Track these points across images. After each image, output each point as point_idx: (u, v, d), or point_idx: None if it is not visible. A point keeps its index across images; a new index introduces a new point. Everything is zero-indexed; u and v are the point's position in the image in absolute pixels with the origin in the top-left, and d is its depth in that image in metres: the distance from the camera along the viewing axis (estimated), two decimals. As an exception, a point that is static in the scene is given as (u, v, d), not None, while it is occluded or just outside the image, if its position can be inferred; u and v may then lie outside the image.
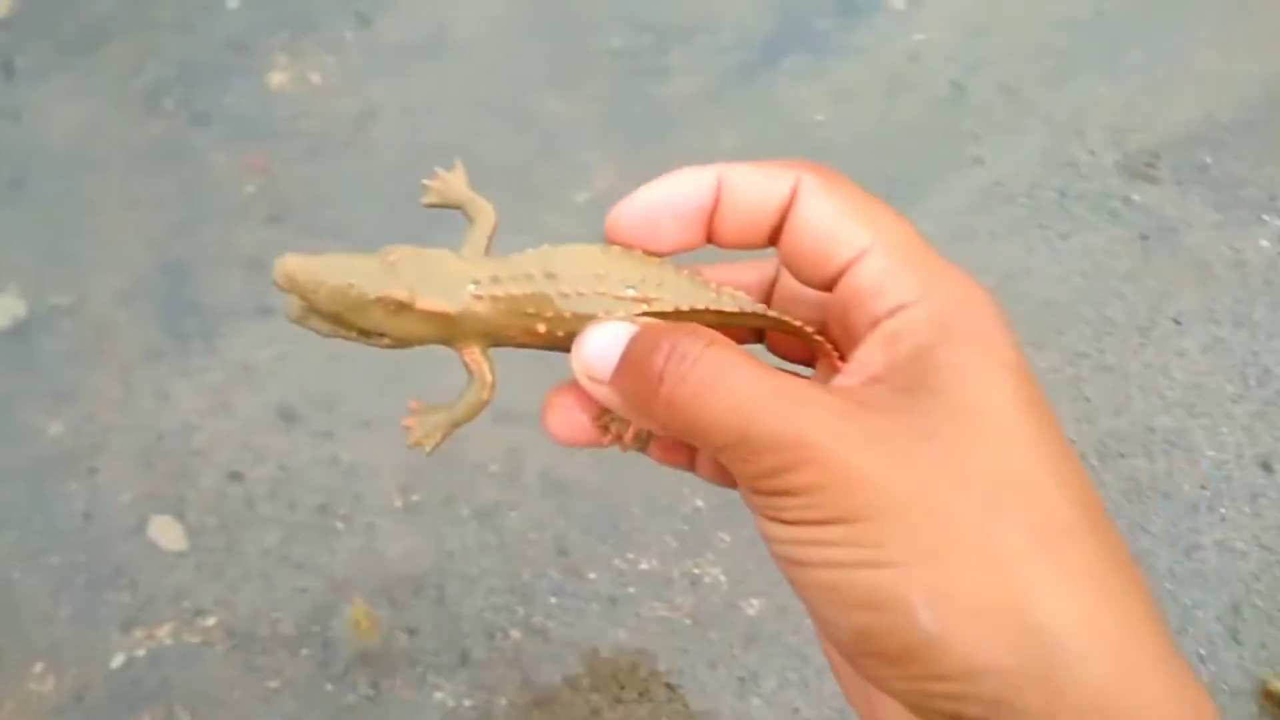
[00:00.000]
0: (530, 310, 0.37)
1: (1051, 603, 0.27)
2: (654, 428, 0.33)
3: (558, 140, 1.23)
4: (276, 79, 1.23)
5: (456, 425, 0.39)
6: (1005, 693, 0.27)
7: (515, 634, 0.99)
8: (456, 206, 0.44)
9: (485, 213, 0.42)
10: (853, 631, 0.29)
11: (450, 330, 0.37)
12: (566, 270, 0.37)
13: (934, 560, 0.28)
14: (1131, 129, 1.25)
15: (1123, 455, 1.06)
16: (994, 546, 0.28)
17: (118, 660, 0.98)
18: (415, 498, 1.05)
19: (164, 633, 0.99)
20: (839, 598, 0.29)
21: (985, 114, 1.26)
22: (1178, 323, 1.11)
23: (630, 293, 0.36)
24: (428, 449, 0.38)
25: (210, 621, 1.00)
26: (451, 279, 0.38)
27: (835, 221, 0.34)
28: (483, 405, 0.39)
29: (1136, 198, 1.19)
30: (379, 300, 0.36)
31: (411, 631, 1.00)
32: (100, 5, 1.26)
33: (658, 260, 0.37)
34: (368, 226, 1.16)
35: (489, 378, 0.38)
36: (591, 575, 1.01)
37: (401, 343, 0.38)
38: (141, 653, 0.99)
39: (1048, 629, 0.27)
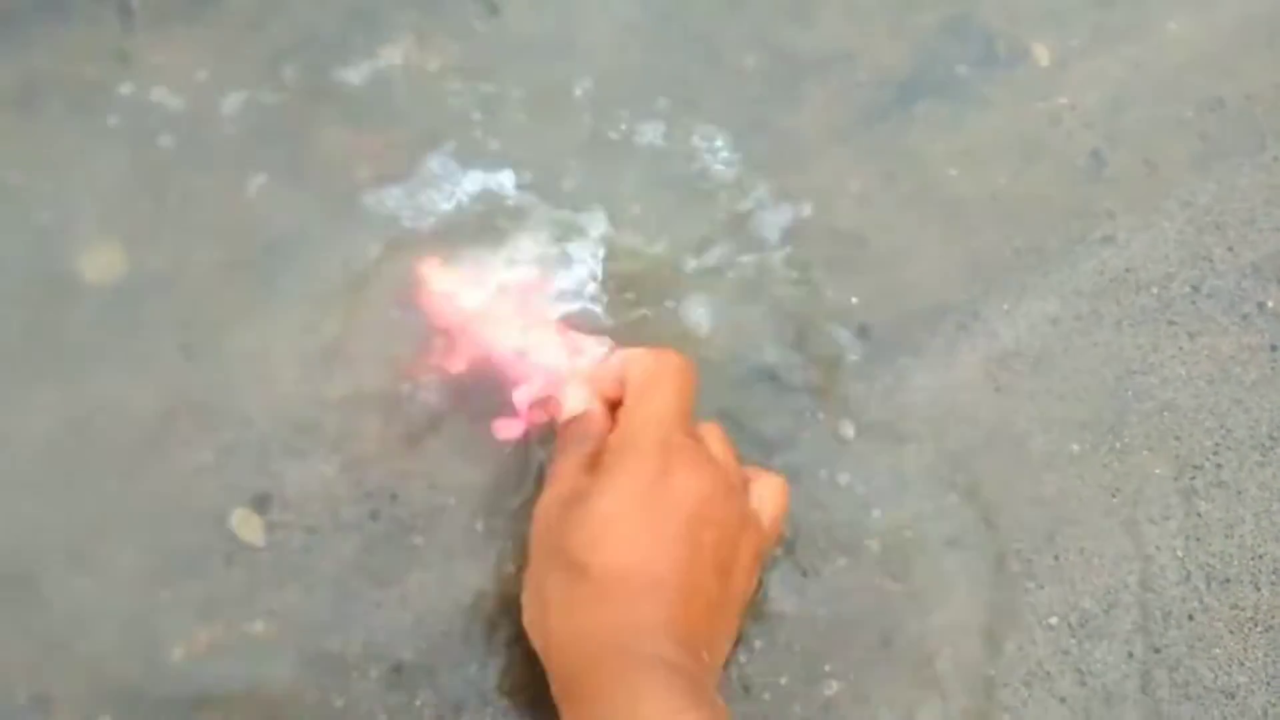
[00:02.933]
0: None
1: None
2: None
3: (675, 161, 1.19)
4: (398, 60, 1.19)
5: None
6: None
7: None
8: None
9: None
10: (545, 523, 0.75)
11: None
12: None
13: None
14: (1271, 227, 1.20)
15: (1227, 581, 1.02)
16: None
17: (179, 653, 0.96)
18: (498, 522, 1.02)
19: (230, 632, 0.97)
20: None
21: (1123, 190, 1.21)
22: (1300, 446, 1.07)
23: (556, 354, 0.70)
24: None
25: (280, 626, 0.98)
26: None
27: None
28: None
29: (1270, 304, 1.15)
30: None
31: (482, 665, 0.98)
32: (225, -46, 1.21)
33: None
34: (474, 224, 1.13)
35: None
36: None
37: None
38: (205, 649, 0.96)
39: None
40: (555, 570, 0.69)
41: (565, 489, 0.71)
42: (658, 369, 0.73)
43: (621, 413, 0.72)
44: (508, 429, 0.68)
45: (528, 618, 0.69)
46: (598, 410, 0.74)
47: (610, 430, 0.73)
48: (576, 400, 0.73)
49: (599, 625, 0.57)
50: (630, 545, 0.62)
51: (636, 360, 0.74)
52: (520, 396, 0.67)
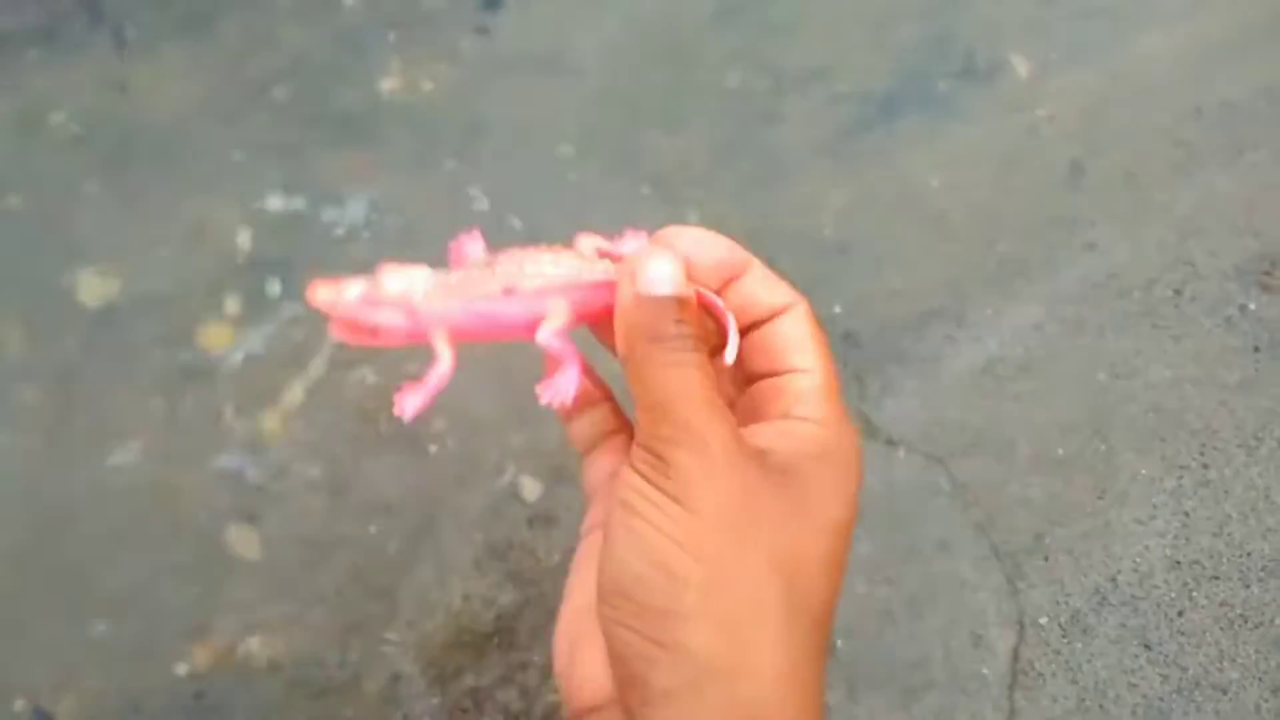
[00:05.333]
0: (468, 296, 0.46)
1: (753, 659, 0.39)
2: (618, 347, 0.43)
3: (663, 176, 1.21)
4: (388, 82, 1.20)
5: (431, 395, 0.48)
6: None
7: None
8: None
9: (473, 241, 0.51)
10: (631, 574, 0.39)
11: (417, 321, 0.47)
12: (504, 260, 0.47)
13: (716, 579, 0.38)
14: (1251, 232, 1.22)
15: (1216, 579, 1.03)
16: (748, 607, 0.39)
17: (182, 669, 0.97)
18: (497, 535, 1.03)
19: (230, 646, 0.98)
20: (640, 546, 0.39)
21: (1103, 199, 1.23)
22: (1285, 445, 1.09)
23: (550, 270, 0.47)
24: (408, 416, 0.47)
25: (279, 639, 0.98)
26: (418, 279, 0.47)
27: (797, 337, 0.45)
28: (444, 378, 0.48)
29: (1252, 306, 1.16)
30: (366, 300, 0.47)
31: (478, 674, 0.98)
32: (217, -17, 1.23)
33: (585, 254, 0.48)
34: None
35: (448, 357, 0.47)
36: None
37: (401, 336, 0.47)
38: (206, 664, 0.97)
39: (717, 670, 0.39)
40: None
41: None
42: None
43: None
44: (551, 389, 0.50)
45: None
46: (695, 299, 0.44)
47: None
48: (662, 273, 0.43)
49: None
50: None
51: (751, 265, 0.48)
52: (545, 333, 0.48)
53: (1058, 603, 1.02)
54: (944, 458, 1.07)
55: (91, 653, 0.96)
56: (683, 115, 1.23)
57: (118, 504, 1.01)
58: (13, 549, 0.99)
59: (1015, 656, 1.00)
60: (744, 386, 0.47)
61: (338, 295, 0.48)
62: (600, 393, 0.52)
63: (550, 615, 1.00)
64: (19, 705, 0.95)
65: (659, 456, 0.40)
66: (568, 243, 0.50)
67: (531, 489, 1.05)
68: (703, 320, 0.45)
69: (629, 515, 0.40)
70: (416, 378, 0.46)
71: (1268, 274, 1.19)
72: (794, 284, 1.06)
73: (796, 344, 0.45)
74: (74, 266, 1.09)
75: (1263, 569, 1.03)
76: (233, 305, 1.09)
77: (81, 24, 1.19)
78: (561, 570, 0.99)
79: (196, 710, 0.95)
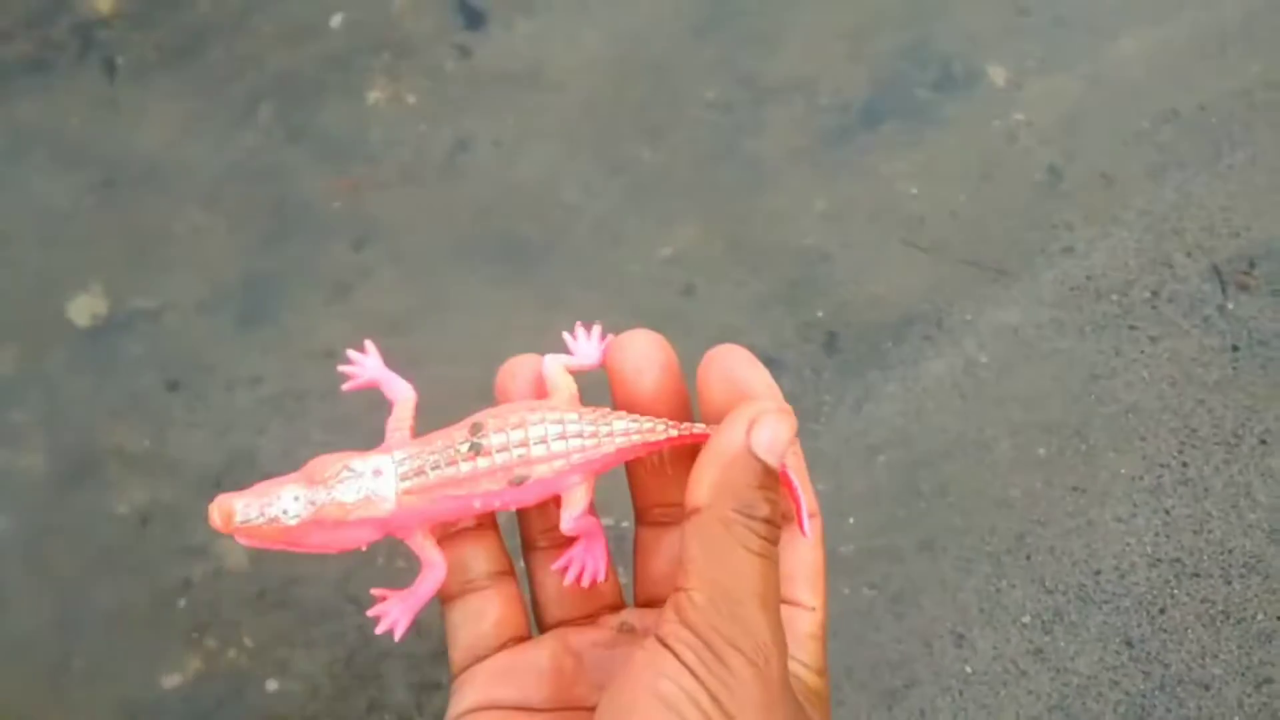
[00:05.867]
0: (463, 491, 0.39)
1: None
2: (695, 494, 0.36)
3: (645, 189, 1.22)
4: (373, 101, 1.22)
5: (421, 606, 0.42)
6: None
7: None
8: (372, 387, 0.46)
9: (404, 394, 0.44)
10: None
11: (389, 528, 0.40)
12: (494, 440, 0.39)
13: None
14: (1229, 233, 1.23)
15: (1198, 575, 1.04)
16: None
17: (172, 681, 0.98)
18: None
19: (219, 658, 0.99)
20: None
21: (1081, 202, 1.24)
22: (1264, 442, 1.09)
23: (559, 446, 0.39)
24: (398, 635, 0.42)
25: (267, 651, 0.99)
26: (381, 481, 0.39)
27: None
28: (439, 583, 0.41)
29: (1230, 305, 1.17)
30: (315, 521, 0.38)
31: (464, 682, 0.99)
32: (204, 9, 1.25)
33: (574, 401, 0.42)
34: (450, 258, 1.16)
35: (438, 559, 0.41)
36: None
37: (346, 550, 0.40)
38: (195, 676, 0.98)
39: None
40: None
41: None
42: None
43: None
44: (576, 567, 0.43)
45: None
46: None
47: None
48: (779, 440, 0.37)
49: None
50: None
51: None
52: (569, 521, 0.41)
53: (1040, 601, 1.02)
54: (925, 460, 1.08)
55: (82, 665, 0.98)
56: (664, 128, 1.25)
57: (107, 520, 1.03)
58: (4, 565, 1.00)
59: (998, 655, 1.00)
60: None
61: (266, 517, 0.39)
62: (484, 519, 0.44)
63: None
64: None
65: (718, 656, 0.33)
66: (608, 325, 0.45)
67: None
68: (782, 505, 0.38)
69: (665, 713, 0.33)
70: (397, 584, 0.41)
71: (1246, 274, 1.20)
72: (778, 291, 1.06)
73: (806, 572, 0.40)
74: (65, 288, 1.11)
75: (1244, 565, 1.04)
76: (223, 324, 1.11)
77: (73, 52, 1.22)
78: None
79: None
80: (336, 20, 1.26)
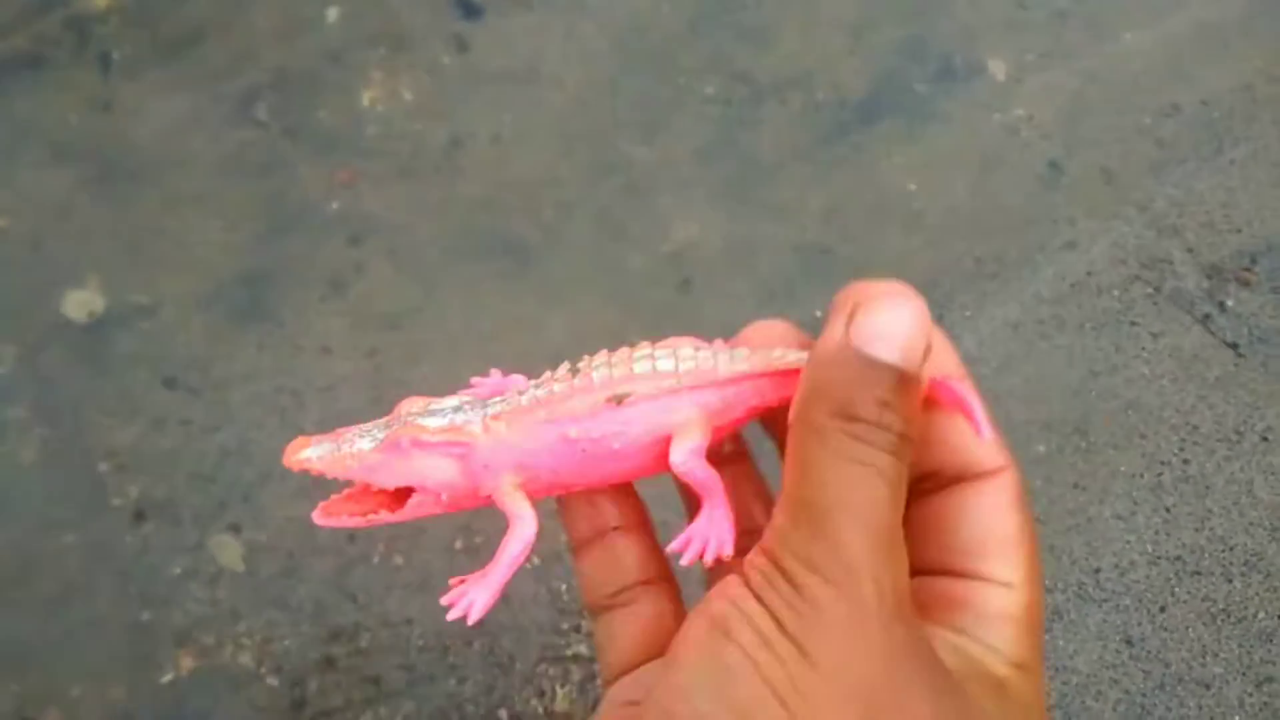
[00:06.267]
0: (557, 415, 0.33)
1: None
2: (792, 407, 0.31)
3: (643, 184, 1.21)
4: (370, 96, 1.22)
5: (507, 578, 0.36)
6: None
7: (561, 694, 0.98)
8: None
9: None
10: (698, 714, 0.28)
11: (476, 471, 0.34)
12: (596, 361, 0.34)
13: None
14: (1230, 229, 1.22)
15: (1198, 573, 1.03)
16: None
17: (166, 678, 0.97)
18: (477, 540, 1.04)
19: (214, 655, 0.98)
20: (725, 684, 0.28)
21: (1082, 197, 1.23)
22: (1265, 439, 1.09)
23: (666, 365, 0.34)
24: (474, 617, 0.36)
25: (262, 648, 0.99)
26: (468, 413, 0.34)
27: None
28: (528, 544, 0.35)
29: (1231, 303, 1.16)
30: (391, 445, 0.33)
31: (460, 679, 0.99)
32: (200, 3, 1.25)
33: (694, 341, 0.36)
34: (447, 253, 1.15)
35: (528, 512, 0.35)
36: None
37: (441, 501, 0.35)
38: (190, 674, 0.98)
39: None
40: None
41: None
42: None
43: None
44: (699, 541, 0.36)
45: None
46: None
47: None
48: (893, 328, 0.30)
49: None
50: None
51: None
52: (681, 454, 0.34)
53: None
54: (924, 457, 1.08)
55: (77, 662, 0.97)
56: (661, 123, 1.24)
57: (104, 519, 1.02)
58: (-1, 562, 1.00)
59: (996, 653, 1.00)
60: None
61: (339, 451, 0.33)
62: (633, 516, 0.38)
63: (530, 616, 1.01)
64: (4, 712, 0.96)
65: (789, 578, 0.28)
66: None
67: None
68: (920, 423, 0.31)
69: (721, 640, 0.28)
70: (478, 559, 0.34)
71: (1247, 270, 1.19)
72: (775, 287, 1.06)
73: (998, 538, 0.32)
74: (61, 284, 1.10)
75: (1244, 564, 1.03)
76: (219, 320, 1.10)
77: (68, 48, 1.21)
78: (544, 572, 1.00)
79: (181, 719, 0.96)
80: (333, 14, 1.25)
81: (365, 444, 0.33)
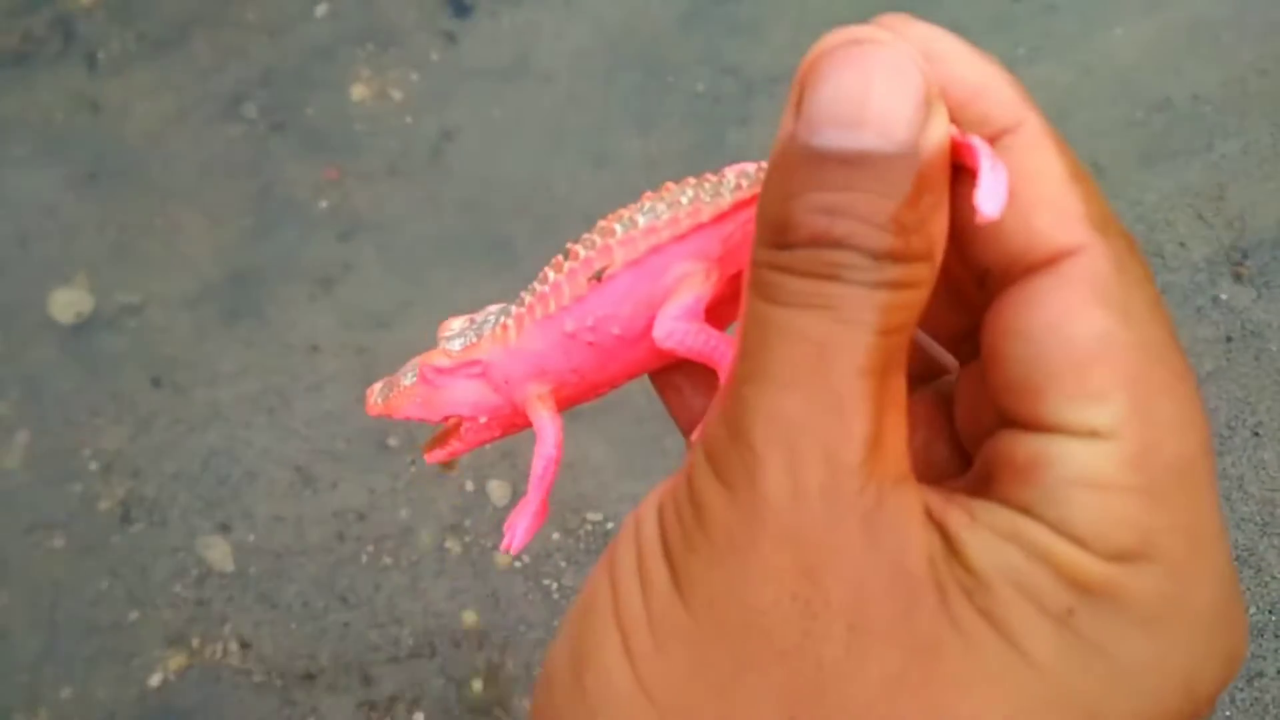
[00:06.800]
0: (553, 307, 0.29)
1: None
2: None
3: (634, 181, 1.21)
4: (358, 92, 1.21)
5: (541, 500, 0.32)
6: None
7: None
8: None
9: None
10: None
11: (499, 384, 0.31)
12: (582, 241, 0.29)
13: None
14: (1222, 223, 1.22)
15: (1189, 567, 1.03)
16: None
17: (155, 679, 0.97)
18: (467, 539, 1.03)
19: (202, 656, 0.98)
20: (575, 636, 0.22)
21: (1073, 193, 1.23)
22: (1257, 434, 1.08)
23: (643, 219, 0.28)
24: (516, 545, 0.32)
25: (251, 648, 0.99)
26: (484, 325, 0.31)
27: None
28: (552, 459, 0.31)
29: (1223, 296, 1.16)
30: (424, 379, 0.31)
31: (449, 678, 0.99)
32: (187, 1, 1.24)
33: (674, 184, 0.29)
34: (437, 251, 1.15)
35: (548, 423, 0.30)
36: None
37: (485, 424, 0.32)
38: (178, 674, 0.97)
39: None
40: None
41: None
42: None
43: None
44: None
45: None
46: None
47: None
48: (852, 93, 0.19)
49: None
50: None
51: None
52: (667, 323, 0.27)
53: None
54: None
55: (66, 664, 0.97)
56: (651, 119, 1.24)
57: (91, 519, 1.02)
58: (-14, 563, 1.00)
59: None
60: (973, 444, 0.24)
61: (390, 390, 0.32)
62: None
63: (520, 614, 1.00)
64: (-5, 718, 0.96)
65: (690, 480, 0.21)
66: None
67: (500, 493, 1.05)
68: (937, 228, 0.20)
69: (605, 563, 0.22)
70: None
71: (1240, 265, 1.19)
72: None
73: (1074, 359, 0.20)
74: (47, 284, 1.10)
75: (1235, 559, 1.03)
76: (207, 319, 1.10)
77: (55, 46, 1.20)
78: (533, 570, 1.00)
79: (169, 718, 0.96)
80: (321, 10, 1.25)
81: (408, 378, 0.31)
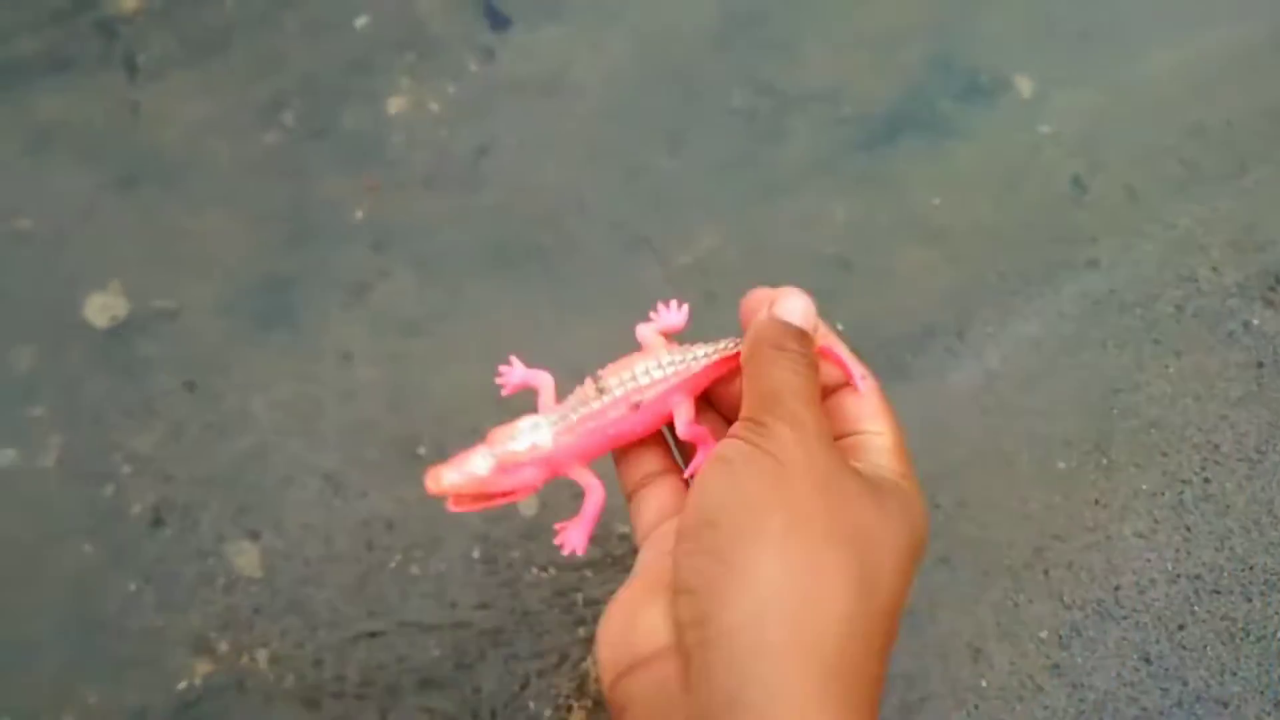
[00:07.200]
0: (598, 423, 0.54)
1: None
2: (743, 354, 0.50)
3: (666, 195, 1.22)
4: (396, 103, 1.22)
5: (592, 525, 0.55)
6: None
7: (579, 709, 0.98)
8: (524, 386, 0.60)
9: (546, 381, 0.58)
10: (719, 506, 0.45)
11: (554, 465, 0.54)
12: (612, 382, 0.54)
13: (797, 524, 0.44)
14: (1254, 249, 1.21)
15: (1218, 592, 1.02)
16: (822, 555, 0.43)
17: (182, 685, 0.98)
18: (495, 550, 1.03)
19: (230, 663, 0.98)
20: (733, 484, 0.45)
21: (1105, 215, 1.23)
22: (1288, 460, 1.08)
23: (659, 374, 0.54)
24: (580, 550, 0.55)
25: (279, 656, 0.99)
26: (540, 432, 0.53)
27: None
28: (600, 502, 0.55)
29: (1255, 322, 1.16)
30: (499, 469, 0.52)
31: (475, 689, 0.99)
32: (228, 6, 1.25)
33: (666, 347, 0.56)
34: (470, 262, 1.15)
35: (595, 483, 0.55)
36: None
37: (530, 489, 0.54)
38: (205, 680, 0.98)
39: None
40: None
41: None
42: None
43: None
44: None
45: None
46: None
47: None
48: (795, 306, 0.52)
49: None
50: None
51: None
52: (684, 428, 0.55)
53: (1058, 616, 1.01)
54: (944, 472, 1.07)
55: (93, 669, 0.97)
56: (684, 134, 1.24)
57: (121, 522, 1.02)
58: (14, 566, 1.00)
59: (1014, 670, 0.99)
60: None
61: (466, 474, 0.52)
62: (653, 436, 0.57)
63: (546, 626, 1.00)
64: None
65: (761, 424, 0.46)
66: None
67: (527, 504, 1.05)
68: (816, 358, 0.51)
69: (724, 464, 0.46)
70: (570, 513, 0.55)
71: (1272, 290, 1.19)
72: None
73: (869, 412, 0.53)
74: (83, 287, 1.11)
75: (1265, 583, 1.03)
76: (241, 325, 1.11)
77: (95, 49, 1.22)
78: (560, 583, 1.00)
79: (198, 723, 0.96)
80: (361, 21, 1.26)
81: (482, 467, 0.52)
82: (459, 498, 0.53)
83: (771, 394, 0.47)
